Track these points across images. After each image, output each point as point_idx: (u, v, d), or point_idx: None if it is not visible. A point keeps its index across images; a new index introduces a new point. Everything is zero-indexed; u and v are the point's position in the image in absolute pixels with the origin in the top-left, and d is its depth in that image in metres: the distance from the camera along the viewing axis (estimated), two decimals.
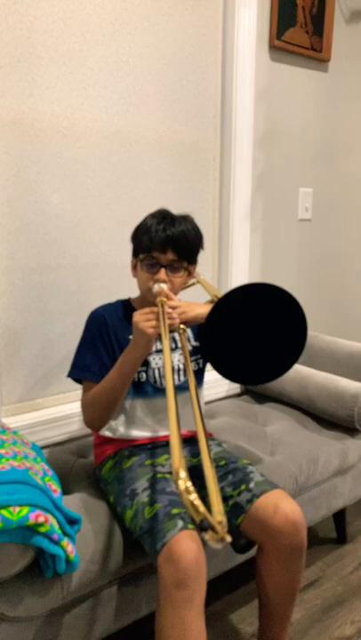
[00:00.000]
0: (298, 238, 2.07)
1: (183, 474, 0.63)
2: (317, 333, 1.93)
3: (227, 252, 1.83)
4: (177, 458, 0.66)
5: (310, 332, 1.90)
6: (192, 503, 0.60)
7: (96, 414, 1.20)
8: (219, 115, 1.77)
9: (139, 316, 1.09)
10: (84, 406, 1.22)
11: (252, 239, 1.89)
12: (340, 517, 1.71)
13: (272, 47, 1.82)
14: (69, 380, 1.27)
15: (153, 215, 1.22)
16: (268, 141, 1.89)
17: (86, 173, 1.51)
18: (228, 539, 0.58)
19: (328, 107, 2.05)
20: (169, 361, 0.92)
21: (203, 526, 0.58)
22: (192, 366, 1.30)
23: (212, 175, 1.81)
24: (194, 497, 0.60)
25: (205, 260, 1.83)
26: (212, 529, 0.58)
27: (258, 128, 1.83)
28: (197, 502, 0.60)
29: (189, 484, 0.62)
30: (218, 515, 0.59)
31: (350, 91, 2.08)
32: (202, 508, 0.59)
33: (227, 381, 1.91)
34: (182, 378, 1.30)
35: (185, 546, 0.95)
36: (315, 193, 2.08)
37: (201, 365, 1.34)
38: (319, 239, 2.15)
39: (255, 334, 1.01)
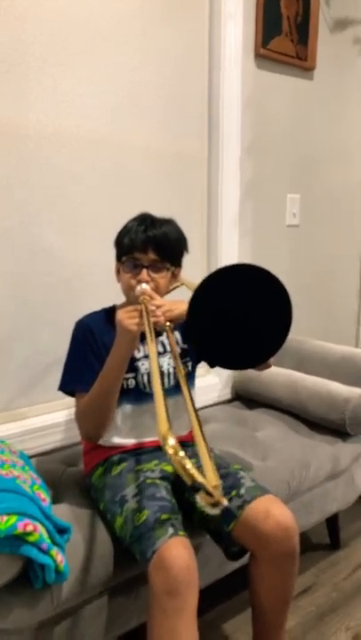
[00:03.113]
0: (286, 244, 2.08)
1: (172, 440, 0.63)
2: (307, 338, 1.94)
3: (216, 258, 1.83)
4: (163, 423, 0.67)
5: (299, 337, 1.91)
6: (181, 464, 0.60)
7: (91, 424, 1.19)
8: (206, 123, 1.78)
9: (122, 314, 1.09)
10: (79, 418, 1.21)
11: (240, 245, 1.90)
12: (333, 523, 1.70)
13: (258, 55, 1.84)
14: (57, 388, 1.25)
15: (134, 218, 1.23)
16: (256, 149, 1.90)
17: (73, 181, 1.51)
18: (225, 502, 0.59)
19: (314, 114, 2.08)
20: (154, 351, 0.91)
21: (194, 487, 0.59)
22: (184, 368, 1.29)
23: (200, 183, 1.81)
24: (182, 456, 0.61)
25: (194, 266, 1.82)
26: (205, 490, 0.58)
27: (245, 135, 1.85)
28: (186, 462, 0.60)
29: (178, 447, 0.62)
30: (213, 480, 0.60)
31: (335, 99, 2.10)
32: (191, 468, 0.60)
33: (217, 387, 1.91)
34: (172, 382, 1.29)
35: (176, 552, 0.94)
36: (302, 199, 2.09)
37: (190, 368, 1.33)
38: (307, 245, 2.16)
39: (240, 316, 0.99)
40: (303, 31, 1.94)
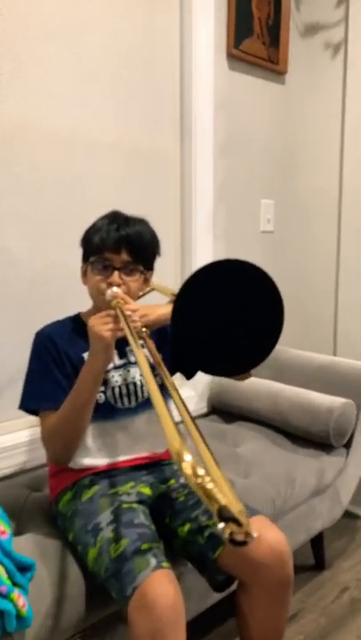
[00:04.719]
0: (261, 250, 2.02)
1: (188, 456, 0.53)
2: (283, 347, 1.86)
3: (190, 262, 1.74)
4: (175, 437, 0.56)
5: (277, 346, 1.83)
6: (204, 488, 0.50)
7: (61, 445, 1.06)
8: (178, 121, 1.71)
9: (93, 320, 0.99)
10: (47, 440, 1.07)
11: (215, 250, 1.81)
12: (317, 542, 1.61)
13: (230, 56, 1.78)
14: (17, 407, 1.12)
15: (104, 216, 1.12)
16: (229, 151, 1.84)
17: (38, 177, 1.39)
18: (255, 534, 0.48)
19: (286, 119, 2.04)
20: (143, 358, 0.80)
21: (223, 516, 0.48)
22: (157, 380, 1.18)
23: (173, 183, 1.73)
24: (203, 475, 0.50)
25: (168, 269, 1.73)
26: (235, 521, 0.47)
27: (218, 137, 1.78)
28: (211, 486, 0.50)
29: (196, 465, 0.52)
30: (235, 504, 0.49)
31: (307, 104, 2.07)
32: (219, 494, 0.49)
33: (193, 401, 1.80)
34: (145, 395, 1.17)
35: (160, 589, 0.82)
36: (276, 205, 2.04)
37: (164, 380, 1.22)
38: (282, 251, 2.10)
39: (228, 317, 0.90)
40: (275, 34, 1.91)
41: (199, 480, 0.50)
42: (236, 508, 0.48)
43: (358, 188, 1.94)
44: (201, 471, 0.51)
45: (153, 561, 0.87)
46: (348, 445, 1.58)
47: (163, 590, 0.82)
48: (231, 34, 1.77)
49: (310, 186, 2.11)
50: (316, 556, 1.63)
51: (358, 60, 1.89)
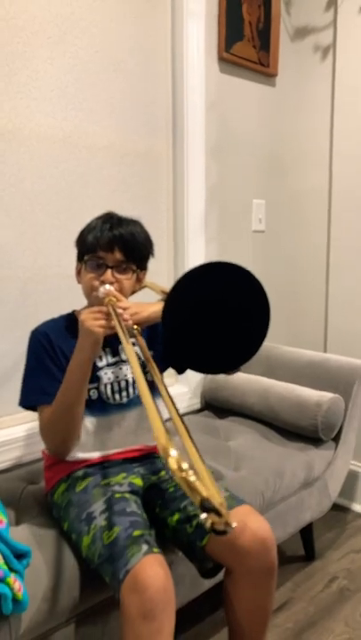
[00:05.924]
0: (253, 249, 2.06)
1: (174, 452, 0.57)
2: (275, 344, 1.90)
3: (183, 262, 1.78)
4: (162, 434, 0.60)
5: (268, 343, 1.87)
6: (187, 482, 0.54)
7: (58, 438, 1.10)
8: (170, 124, 1.74)
9: (86, 314, 1.02)
10: (44, 432, 1.11)
11: (207, 250, 1.85)
12: (307, 533, 1.65)
13: (221, 59, 1.82)
14: (15, 401, 1.15)
15: (99, 217, 1.17)
16: (221, 152, 1.88)
17: (33, 180, 1.43)
18: (234, 524, 0.52)
19: (277, 120, 2.08)
20: (133, 356, 0.84)
21: (205, 507, 0.51)
22: (147, 377, 1.22)
23: (166, 185, 1.76)
24: (186, 469, 0.54)
25: (161, 270, 1.77)
26: (216, 511, 0.51)
27: (210, 138, 1.82)
28: (193, 479, 0.54)
29: (181, 459, 0.56)
30: (216, 496, 0.53)
31: (297, 106, 2.12)
32: (202, 487, 0.53)
33: (186, 397, 1.84)
34: (136, 391, 1.21)
35: (152, 572, 0.86)
36: (267, 204, 2.08)
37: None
38: (273, 250, 2.14)
39: (217, 317, 0.93)
40: (265, 38, 1.95)
41: (183, 474, 0.54)
42: (217, 500, 0.52)
43: (347, 188, 1.98)
44: (185, 465, 0.55)
45: (145, 546, 0.91)
46: (336, 439, 1.62)
47: (154, 573, 0.86)
48: (222, 38, 1.81)
49: (301, 185, 2.15)
50: (305, 547, 1.68)
51: (346, 62, 1.94)
